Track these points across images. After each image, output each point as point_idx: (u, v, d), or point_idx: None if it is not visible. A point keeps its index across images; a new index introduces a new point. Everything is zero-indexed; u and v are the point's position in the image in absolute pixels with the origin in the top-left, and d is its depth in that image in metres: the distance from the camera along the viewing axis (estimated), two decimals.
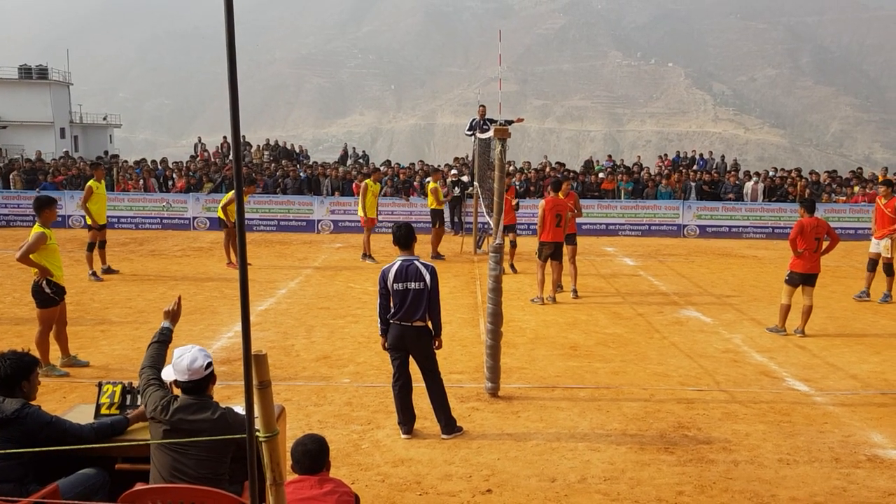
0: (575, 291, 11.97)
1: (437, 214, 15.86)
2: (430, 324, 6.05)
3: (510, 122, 6.30)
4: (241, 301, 3.81)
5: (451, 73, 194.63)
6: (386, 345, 6.12)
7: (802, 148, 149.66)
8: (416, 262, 5.95)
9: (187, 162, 23.34)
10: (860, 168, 25.16)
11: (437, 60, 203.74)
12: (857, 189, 20.86)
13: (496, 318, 6.88)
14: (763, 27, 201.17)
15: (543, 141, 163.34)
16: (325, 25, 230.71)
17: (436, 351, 6.16)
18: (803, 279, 9.46)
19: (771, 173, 22.62)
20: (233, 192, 14.35)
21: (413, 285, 5.89)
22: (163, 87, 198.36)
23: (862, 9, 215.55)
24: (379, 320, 6.09)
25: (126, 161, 25.63)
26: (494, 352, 6.93)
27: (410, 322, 5.94)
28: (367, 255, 15.48)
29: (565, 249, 11.86)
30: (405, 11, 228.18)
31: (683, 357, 8.55)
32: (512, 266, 14.23)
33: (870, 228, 20.09)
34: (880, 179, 22.23)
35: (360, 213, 15.35)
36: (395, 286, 5.91)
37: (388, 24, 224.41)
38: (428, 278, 5.90)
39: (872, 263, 12.13)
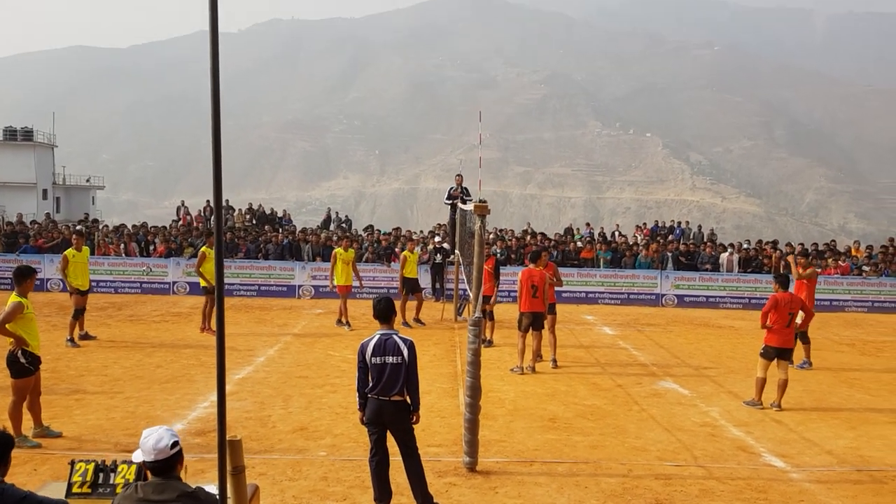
0: (554, 361, 12.00)
1: (408, 282, 15.84)
2: (408, 398, 6.06)
3: (483, 201, 6.46)
4: (217, 384, 3.83)
5: (435, 140, 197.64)
6: (363, 419, 6.11)
7: (778, 217, 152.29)
8: (394, 337, 5.98)
9: (169, 226, 23.37)
10: (834, 241, 25.67)
11: (421, 127, 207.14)
12: (830, 261, 21.23)
13: (475, 391, 6.90)
14: (739, 100, 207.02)
15: (525, 207, 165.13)
16: (312, 92, 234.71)
17: (414, 425, 6.15)
18: (778, 353, 9.62)
19: (745, 245, 23.00)
20: (203, 249, 14.30)
21: (391, 359, 5.90)
22: (147, 150, 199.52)
23: (834, 84, 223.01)
24: (357, 394, 6.09)
25: (107, 226, 25.61)
26: (472, 426, 6.93)
27: (388, 396, 5.93)
28: (341, 321, 15.45)
29: (548, 319, 11.95)
30: (391, 80, 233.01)
31: (661, 430, 8.57)
32: (488, 340, 13.80)
33: (843, 300, 20.48)
34: (852, 252, 22.72)
35: (331, 281, 15.45)
36: (374, 360, 5.93)
37: (375, 92, 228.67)
38: (406, 353, 5.92)
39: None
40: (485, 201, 6.70)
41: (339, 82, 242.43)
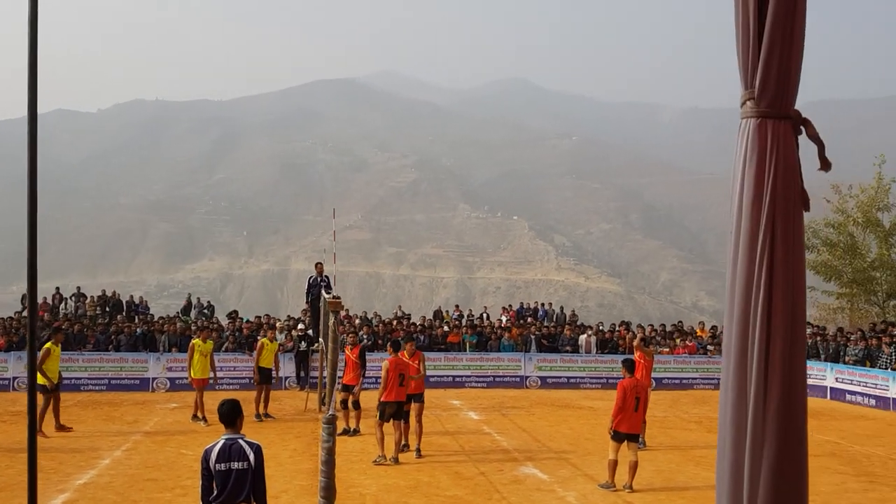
0: (419, 451, 11.91)
1: (262, 372, 15.36)
2: None
3: (336, 297, 6.46)
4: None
5: (306, 221, 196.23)
6: None
7: (637, 296, 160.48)
8: (240, 441, 5.74)
9: (9, 318, 21.68)
10: (680, 321, 27.31)
11: (291, 208, 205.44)
12: (678, 341, 22.53)
13: (328, 492, 6.74)
14: (596, 186, 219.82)
15: (398, 287, 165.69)
16: (174, 172, 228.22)
17: None
18: (627, 437, 9.97)
19: (602, 327, 24.07)
20: (48, 345, 13.46)
21: (236, 465, 5.64)
22: None
23: (683, 172, 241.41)
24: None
25: None
26: None
27: None
28: (197, 416, 14.73)
29: (413, 407, 11.90)
30: (258, 162, 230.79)
31: None
32: (355, 429, 13.70)
33: (691, 378, 21.71)
34: (698, 333, 24.26)
35: (189, 373, 14.85)
36: (218, 466, 5.65)
37: (242, 173, 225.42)
38: (252, 458, 5.68)
39: None
40: (338, 297, 6.71)
41: (204, 163, 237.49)
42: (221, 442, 5.75)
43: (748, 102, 2.80)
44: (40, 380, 13.08)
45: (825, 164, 2.97)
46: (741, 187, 2.79)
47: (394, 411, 11.44)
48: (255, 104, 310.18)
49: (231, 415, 5.82)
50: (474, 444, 13.20)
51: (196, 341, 14.96)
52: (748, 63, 2.79)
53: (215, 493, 5.68)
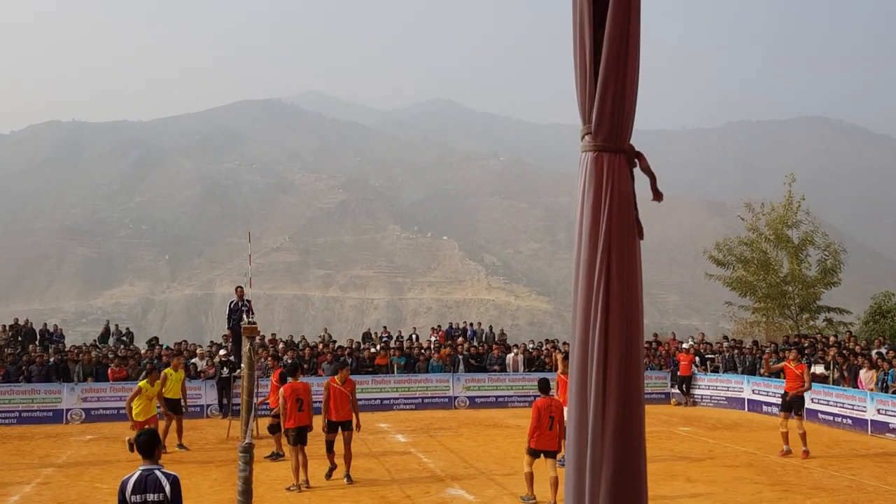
0: (348, 476, 11.69)
1: (168, 403, 14.63)
2: None
3: (253, 323, 6.37)
4: None
5: (231, 244, 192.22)
6: None
7: (566, 313, 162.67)
8: (156, 472, 5.56)
9: None
10: None
11: (216, 231, 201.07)
12: None
13: None
14: (524, 206, 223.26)
15: (328, 309, 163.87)
16: (92, 195, 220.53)
17: None
18: (542, 452, 10.22)
19: (529, 346, 24.33)
20: None
21: (151, 497, 5.46)
22: None
23: None
24: None
25: None
26: None
27: None
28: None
29: (342, 435, 11.59)
30: (180, 184, 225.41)
31: None
32: (280, 453, 13.65)
33: None
34: None
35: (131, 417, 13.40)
36: (133, 498, 5.46)
37: (163, 195, 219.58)
38: (168, 489, 5.50)
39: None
40: (254, 323, 6.60)
41: (123, 186, 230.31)
42: (137, 473, 5.57)
43: (586, 137, 2.96)
44: None
45: (657, 196, 3.13)
46: (580, 216, 2.94)
47: (295, 435, 11.30)
48: (176, 125, 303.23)
49: (148, 445, 5.67)
50: (401, 466, 13.11)
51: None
52: (585, 99, 2.94)
53: None
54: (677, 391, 22.46)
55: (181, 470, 10.95)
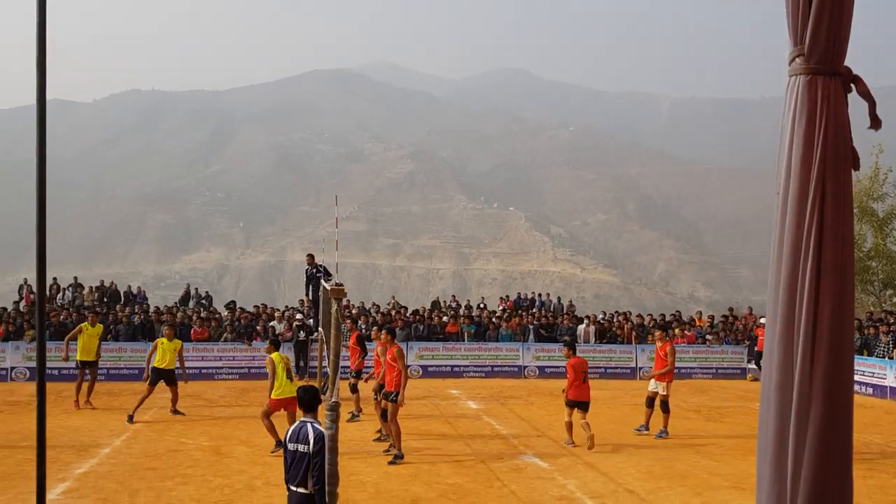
0: (389, 450, 11.15)
1: (163, 374, 14.33)
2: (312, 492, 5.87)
3: (339, 285, 6.46)
4: (37, 488, 3.58)
5: (302, 212, 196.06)
6: None
7: (633, 287, 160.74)
8: (308, 425, 5.97)
9: (11, 308, 21.62)
10: (678, 311, 27.36)
11: (289, 200, 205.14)
12: (677, 331, 22.58)
13: (333, 478, 6.72)
14: (592, 177, 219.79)
15: (394, 278, 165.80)
16: (170, 164, 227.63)
17: None
18: (576, 404, 11.81)
19: (600, 317, 24.07)
20: (83, 324, 15.52)
21: (300, 447, 5.88)
22: None
23: (678, 163, 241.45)
24: None
25: None
26: None
27: (293, 487, 5.89)
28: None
29: (386, 405, 11.23)
30: (254, 153, 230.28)
31: None
32: (357, 412, 14.05)
33: (690, 367, 21.77)
34: (697, 322, 24.30)
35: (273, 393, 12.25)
36: (289, 446, 5.96)
37: (237, 164, 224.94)
38: (312, 442, 5.85)
39: (650, 401, 13.21)
40: (341, 285, 6.70)
41: (199, 154, 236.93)
42: (297, 424, 6.06)
43: (797, 59, 2.75)
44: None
45: (875, 122, 2.91)
46: (790, 147, 2.73)
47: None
48: (250, 94, 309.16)
49: (308, 401, 6.16)
50: (473, 432, 13.23)
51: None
52: (798, 18, 2.72)
53: (284, 472, 6.02)
54: (754, 366, 21.93)
55: (262, 430, 11.30)
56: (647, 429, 13.18)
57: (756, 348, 21.79)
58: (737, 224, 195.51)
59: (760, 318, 24.35)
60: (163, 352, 14.30)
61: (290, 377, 11.25)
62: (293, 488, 5.89)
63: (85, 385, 15.33)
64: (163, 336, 14.70)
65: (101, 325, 16.58)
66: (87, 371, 15.42)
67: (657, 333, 13.90)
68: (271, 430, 11.02)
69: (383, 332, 11.64)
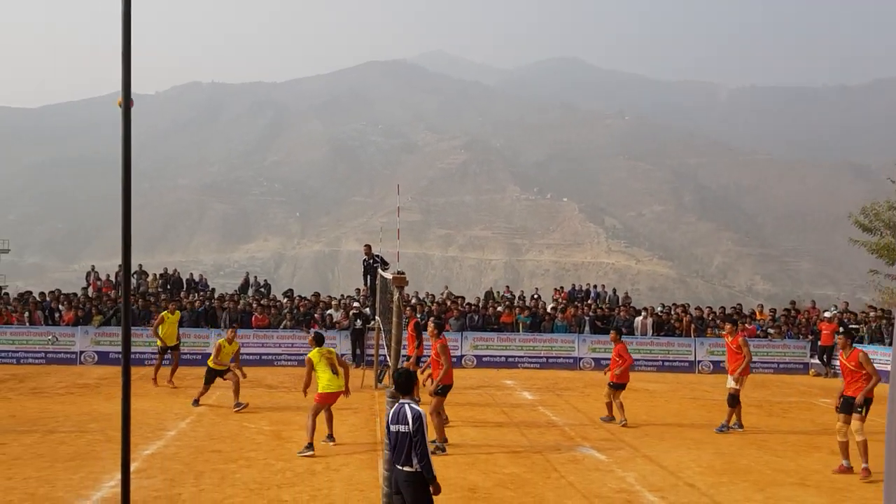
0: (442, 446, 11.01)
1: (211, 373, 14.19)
2: (419, 469, 6.14)
3: (401, 273, 6.54)
4: (122, 461, 3.71)
5: (357, 203, 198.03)
6: None
7: (690, 279, 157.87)
8: (405, 406, 6.26)
9: (80, 294, 22.44)
10: (739, 304, 26.78)
11: (343, 191, 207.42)
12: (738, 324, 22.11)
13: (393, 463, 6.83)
14: (648, 168, 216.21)
15: (447, 269, 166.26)
16: (229, 155, 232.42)
17: (435, 495, 6.20)
18: (616, 386, 13.22)
19: (658, 309, 23.73)
20: (164, 313, 16.82)
21: (401, 428, 6.17)
22: (56, 211, 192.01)
23: (736, 153, 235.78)
24: None
25: (7, 294, 24.47)
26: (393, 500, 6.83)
27: (398, 466, 6.19)
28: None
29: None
30: (310, 144, 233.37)
31: (580, 498, 8.64)
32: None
33: (752, 362, 21.28)
34: (757, 316, 23.76)
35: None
36: (391, 427, 6.27)
37: (294, 155, 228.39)
38: (410, 422, 6.12)
39: (733, 399, 12.72)
40: (403, 273, 6.78)
41: (257, 145, 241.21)
42: (397, 405, 6.34)
43: None
44: (158, 342, 16.67)
45: None
46: None
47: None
48: (307, 86, 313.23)
49: (404, 384, 6.41)
50: (530, 422, 13.23)
51: (312, 354, 11.27)
52: None
53: (388, 452, 6.36)
54: (817, 361, 21.37)
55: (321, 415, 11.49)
56: (741, 426, 12.75)
57: (820, 343, 21.23)
58: (797, 216, 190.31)
59: (824, 312, 23.70)
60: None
61: (334, 371, 10.89)
62: (399, 467, 6.18)
63: (164, 369, 16.77)
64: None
65: (180, 312, 18.04)
66: (167, 355, 16.88)
67: (727, 327, 13.33)
68: (311, 430, 10.56)
69: (430, 324, 11.54)
